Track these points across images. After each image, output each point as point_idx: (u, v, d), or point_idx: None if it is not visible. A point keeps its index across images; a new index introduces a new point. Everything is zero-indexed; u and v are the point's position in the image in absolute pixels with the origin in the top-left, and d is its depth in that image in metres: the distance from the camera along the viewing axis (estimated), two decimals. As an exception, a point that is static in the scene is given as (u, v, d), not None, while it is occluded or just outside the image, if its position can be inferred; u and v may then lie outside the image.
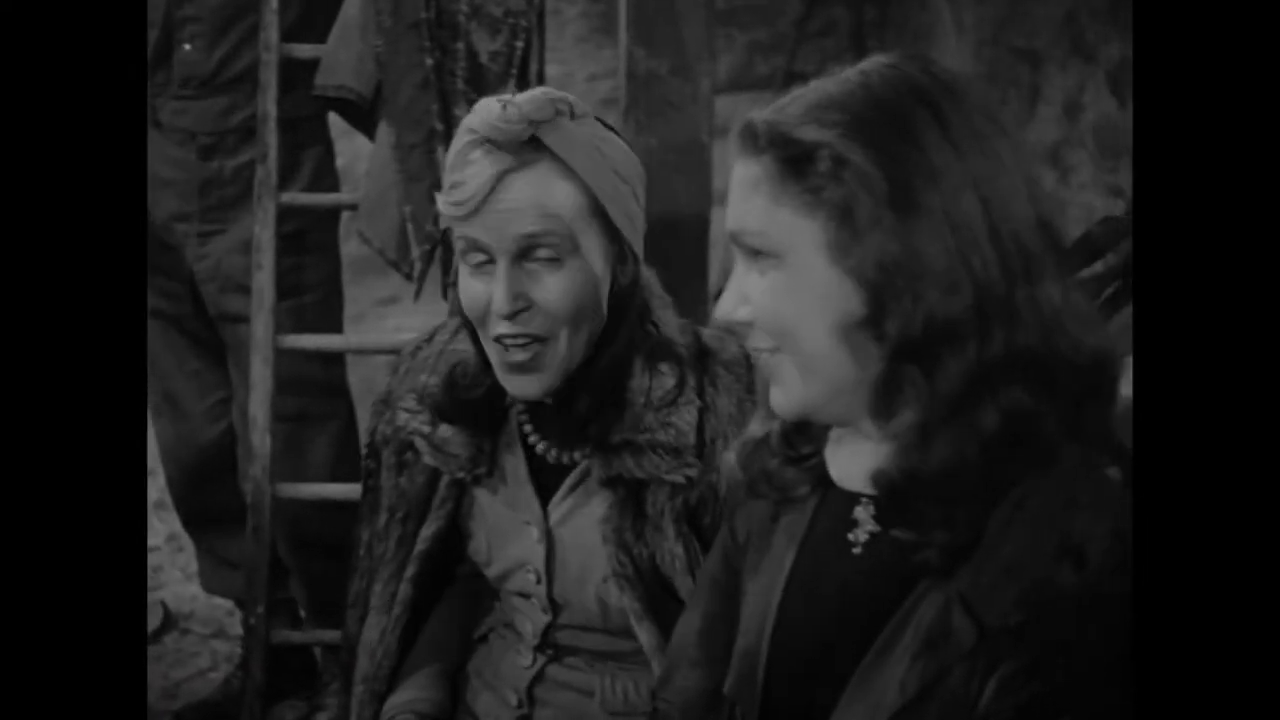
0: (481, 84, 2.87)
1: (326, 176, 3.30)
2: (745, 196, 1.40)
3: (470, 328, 1.94)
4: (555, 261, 1.84)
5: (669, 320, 1.97)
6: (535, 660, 2.05)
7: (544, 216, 1.83)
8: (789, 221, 1.37)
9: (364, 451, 2.13)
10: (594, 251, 1.86)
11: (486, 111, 1.84)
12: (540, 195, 1.83)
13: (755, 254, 1.41)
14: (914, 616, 1.39)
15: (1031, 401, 1.34)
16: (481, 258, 1.85)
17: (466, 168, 1.83)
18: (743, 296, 1.42)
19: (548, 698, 2.05)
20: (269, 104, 3.03)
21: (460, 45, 2.90)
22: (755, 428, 1.55)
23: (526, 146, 1.83)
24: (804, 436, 1.52)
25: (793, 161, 1.36)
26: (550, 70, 4.56)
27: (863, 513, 1.47)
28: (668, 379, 1.92)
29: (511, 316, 1.84)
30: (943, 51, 4.15)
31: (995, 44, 3.89)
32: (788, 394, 1.44)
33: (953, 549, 1.36)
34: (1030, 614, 1.32)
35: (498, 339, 1.86)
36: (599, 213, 1.86)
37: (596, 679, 2.03)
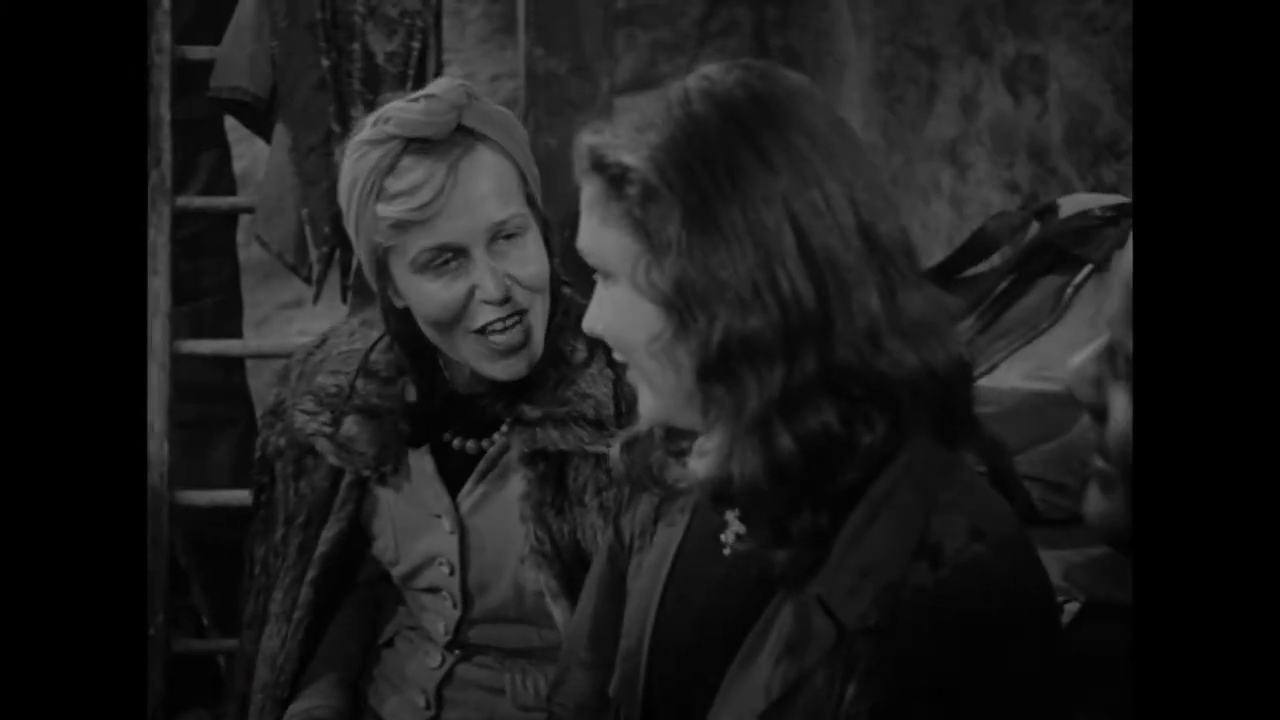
0: (378, 85, 2.85)
1: (223, 180, 3.26)
2: (585, 216, 1.42)
3: (408, 339, 1.93)
4: (517, 236, 1.87)
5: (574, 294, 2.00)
6: (444, 660, 2.04)
7: (505, 196, 1.85)
8: (615, 242, 1.39)
9: (254, 467, 2.11)
10: (533, 219, 1.89)
11: (405, 112, 1.84)
12: (493, 177, 1.85)
13: (598, 271, 1.44)
14: (777, 619, 1.39)
15: (841, 421, 1.34)
16: (445, 257, 1.84)
17: (407, 174, 1.82)
18: (599, 311, 1.45)
19: (457, 698, 2.05)
20: (162, 107, 2.99)
21: (356, 46, 2.88)
22: (640, 423, 1.55)
23: (455, 135, 1.84)
24: (684, 432, 1.53)
25: (614, 184, 1.38)
26: (453, 71, 4.54)
27: (731, 515, 1.48)
28: (580, 351, 1.94)
29: (504, 301, 1.84)
30: (843, 50, 4.17)
31: (894, 42, 3.92)
32: (643, 403, 1.46)
33: (795, 564, 1.37)
34: (887, 614, 1.32)
35: (483, 329, 1.86)
36: (525, 182, 1.89)
37: (506, 676, 2.03)
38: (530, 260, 1.87)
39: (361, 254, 1.90)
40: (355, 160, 1.85)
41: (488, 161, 1.85)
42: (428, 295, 1.86)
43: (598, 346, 1.95)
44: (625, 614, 1.58)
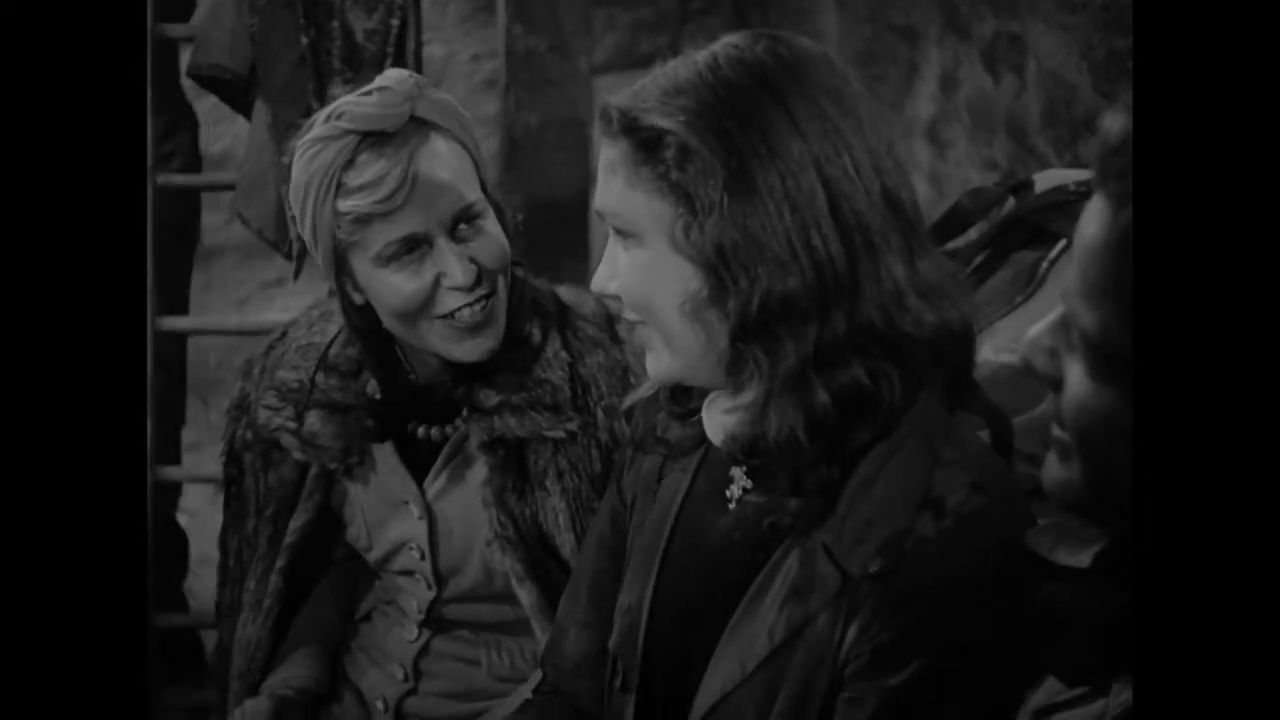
0: (358, 63, 2.85)
1: (193, 158, 3.28)
2: (607, 178, 1.45)
3: (368, 334, 1.93)
4: (477, 220, 1.87)
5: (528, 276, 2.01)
6: (420, 634, 2.06)
7: (463, 182, 1.85)
8: (644, 204, 1.41)
9: (222, 460, 2.11)
10: (488, 202, 1.89)
11: (358, 106, 1.82)
12: (451, 164, 1.85)
13: (619, 232, 1.46)
14: (783, 567, 1.43)
15: (869, 377, 1.39)
16: (410, 247, 1.84)
17: (367, 168, 1.81)
18: (613, 271, 1.47)
19: (434, 670, 2.07)
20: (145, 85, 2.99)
21: (336, 24, 2.88)
22: (644, 387, 1.59)
23: (409, 125, 1.83)
24: (689, 394, 1.56)
25: (644, 147, 1.40)
26: (434, 50, 4.53)
27: (737, 470, 1.51)
28: (535, 334, 1.94)
29: (472, 286, 1.84)
30: (823, 29, 4.17)
31: (874, 21, 3.92)
32: (657, 362, 1.49)
33: (805, 512, 1.41)
34: (889, 561, 1.37)
35: (451, 314, 1.86)
36: (477, 166, 1.89)
37: (482, 650, 2.05)
38: (492, 243, 1.87)
39: (318, 253, 1.88)
40: (308, 159, 1.83)
41: (443, 149, 1.84)
42: (393, 288, 1.85)
43: (551, 328, 1.96)
44: (626, 570, 1.61)
